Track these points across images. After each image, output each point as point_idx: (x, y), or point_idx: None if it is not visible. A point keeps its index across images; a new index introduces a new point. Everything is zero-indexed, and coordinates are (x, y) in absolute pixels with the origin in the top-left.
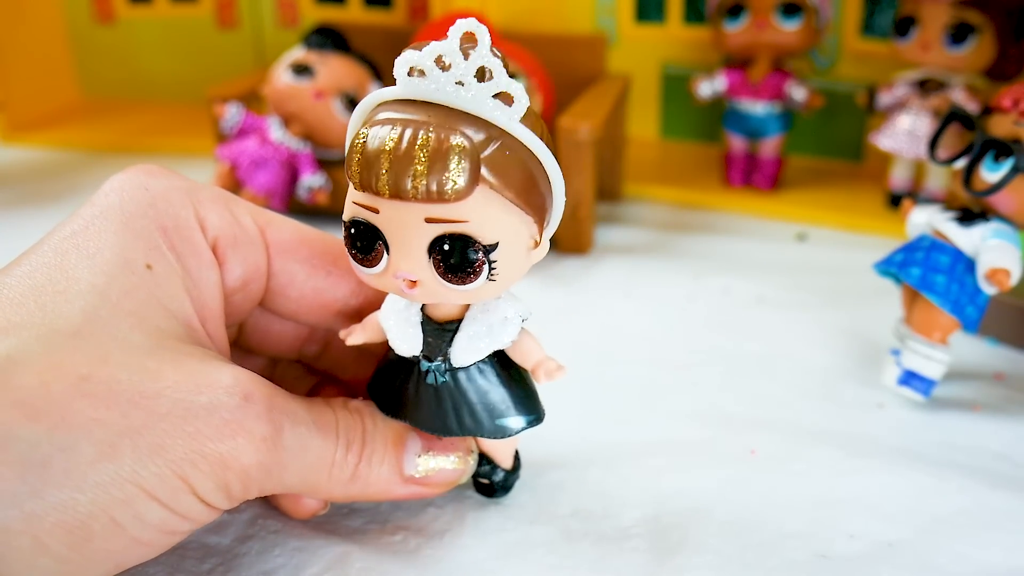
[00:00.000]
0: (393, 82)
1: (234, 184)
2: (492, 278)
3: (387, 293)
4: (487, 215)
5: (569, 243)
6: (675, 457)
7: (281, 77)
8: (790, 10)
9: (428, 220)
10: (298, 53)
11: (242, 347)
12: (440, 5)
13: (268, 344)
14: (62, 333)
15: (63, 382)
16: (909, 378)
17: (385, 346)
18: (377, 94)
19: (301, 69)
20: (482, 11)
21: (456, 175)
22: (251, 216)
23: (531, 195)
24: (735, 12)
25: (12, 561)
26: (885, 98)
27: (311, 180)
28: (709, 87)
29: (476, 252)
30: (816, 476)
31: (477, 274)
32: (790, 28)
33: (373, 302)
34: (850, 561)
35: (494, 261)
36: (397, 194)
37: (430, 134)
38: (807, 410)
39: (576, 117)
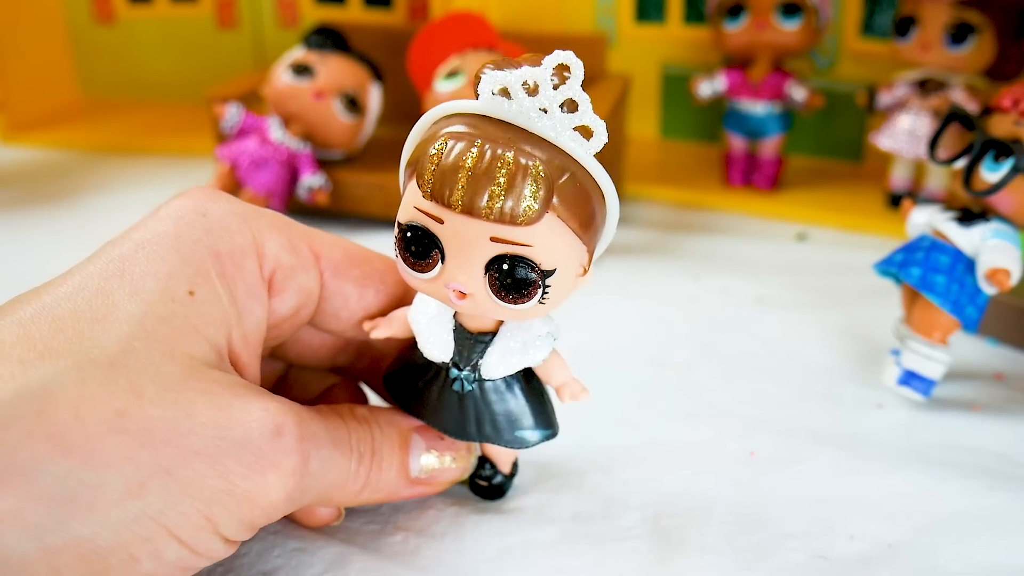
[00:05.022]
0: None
1: (234, 184)
2: (543, 301)
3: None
4: (551, 242)
5: None
6: (675, 458)
7: (281, 77)
8: (790, 10)
9: (493, 239)
10: (298, 53)
11: (276, 356)
12: (440, 5)
13: (304, 356)
14: (98, 364)
15: (97, 417)
16: (909, 378)
17: (407, 341)
18: (453, 104)
19: (301, 69)
20: (482, 11)
21: (531, 200)
22: (306, 242)
23: (590, 226)
24: (735, 12)
25: None
26: (885, 98)
27: (311, 180)
28: (709, 87)
29: (534, 276)
30: (816, 476)
31: (530, 296)
32: (790, 28)
33: None
34: (850, 562)
35: (548, 286)
36: (469, 211)
37: (509, 156)
38: (807, 410)
39: None
